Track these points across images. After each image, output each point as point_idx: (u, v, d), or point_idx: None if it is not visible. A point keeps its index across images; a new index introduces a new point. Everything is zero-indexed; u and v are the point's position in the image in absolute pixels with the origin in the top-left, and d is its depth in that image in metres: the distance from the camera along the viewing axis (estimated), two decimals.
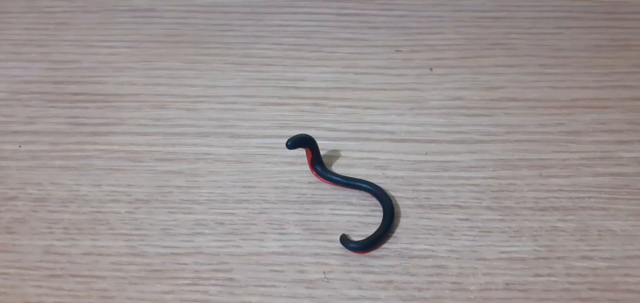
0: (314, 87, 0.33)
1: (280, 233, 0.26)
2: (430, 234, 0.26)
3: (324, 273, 0.25)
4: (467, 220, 0.27)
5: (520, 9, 0.38)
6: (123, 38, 0.37)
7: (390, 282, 0.25)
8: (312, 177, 0.28)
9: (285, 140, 0.27)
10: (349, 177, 0.28)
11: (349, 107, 0.32)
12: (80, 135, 0.31)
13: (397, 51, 0.35)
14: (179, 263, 0.25)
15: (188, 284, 0.25)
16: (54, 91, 0.33)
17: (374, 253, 0.26)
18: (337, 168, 0.29)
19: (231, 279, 0.25)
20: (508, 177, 0.28)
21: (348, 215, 0.27)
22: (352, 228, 0.27)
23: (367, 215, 0.27)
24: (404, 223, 0.27)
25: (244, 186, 0.28)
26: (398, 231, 0.26)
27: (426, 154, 0.29)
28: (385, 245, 0.26)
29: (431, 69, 0.34)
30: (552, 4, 0.38)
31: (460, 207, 0.27)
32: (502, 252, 0.25)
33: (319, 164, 0.28)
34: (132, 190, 0.28)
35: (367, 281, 0.25)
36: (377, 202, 0.27)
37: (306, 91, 0.33)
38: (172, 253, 0.26)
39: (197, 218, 0.27)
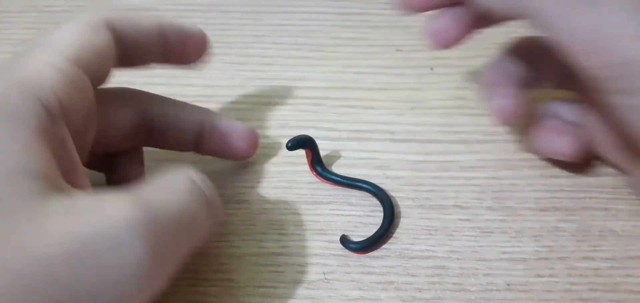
0: (314, 87, 0.33)
1: (279, 234, 0.26)
2: (431, 234, 0.26)
3: (323, 273, 0.25)
4: (468, 220, 0.26)
5: None
6: None
7: (391, 282, 0.24)
8: (312, 177, 0.28)
9: (285, 140, 0.27)
10: (349, 177, 0.28)
11: (349, 107, 0.32)
12: None
13: (397, 50, 0.35)
14: None
15: (187, 285, 0.25)
16: None
17: (374, 253, 0.25)
18: (337, 168, 0.29)
19: (231, 280, 0.25)
20: (509, 177, 0.28)
21: (348, 215, 0.27)
22: (352, 229, 0.26)
23: (367, 215, 0.27)
24: (405, 223, 0.26)
25: (243, 187, 0.28)
26: (398, 232, 0.26)
27: (427, 154, 0.29)
28: (385, 246, 0.26)
29: (432, 69, 0.34)
30: None
31: (461, 207, 0.27)
32: (503, 253, 0.25)
33: (319, 165, 0.28)
34: None
35: (367, 282, 0.24)
36: (377, 202, 0.27)
37: (306, 90, 0.33)
38: None
39: None
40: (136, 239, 0.17)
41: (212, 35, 0.37)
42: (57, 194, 0.18)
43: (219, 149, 0.27)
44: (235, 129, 0.27)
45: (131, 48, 0.24)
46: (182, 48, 0.26)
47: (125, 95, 0.26)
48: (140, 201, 0.18)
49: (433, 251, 0.25)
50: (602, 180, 0.28)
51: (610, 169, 0.28)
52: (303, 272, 0.25)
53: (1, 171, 0.17)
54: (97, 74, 0.22)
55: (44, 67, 0.20)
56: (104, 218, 0.17)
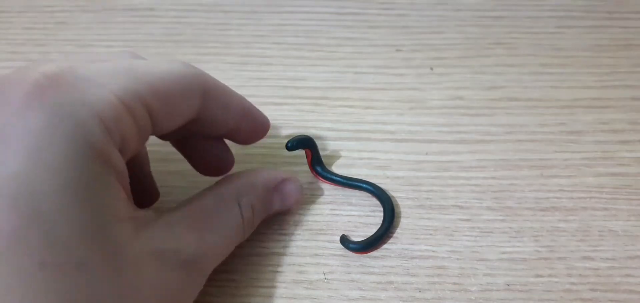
0: (314, 87, 0.33)
1: (280, 234, 0.26)
2: (431, 234, 0.26)
3: (323, 273, 0.25)
4: (468, 220, 0.26)
5: (521, 8, 0.37)
6: (122, 37, 0.37)
7: (391, 282, 0.24)
8: (312, 177, 0.28)
9: (285, 140, 0.27)
10: (349, 177, 0.28)
11: (349, 107, 0.32)
12: None
13: (397, 50, 0.35)
14: None
15: None
16: None
17: (374, 253, 0.25)
18: (337, 168, 0.29)
19: (231, 280, 0.25)
20: (509, 177, 0.28)
21: (348, 215, 0.27)
22: (352, 228, 0.26)
23: (368, 215, 0.27)
24: (405, 223, 0.27)
25: None
26: (398, 232, 0.26)
27: (427, 154, 0.29)
28: (385, 246, 0.26)
29: (432, 69, 0.34)
30: (553, 3, 0.38)
31: (461, 207, 0.27)
32: (503, 253, 0.25)
33: (319, 165, 0.28)
34: None
35: (367, 282, 0.25)
36: (378, 202, 0.27)
37: (306, 90, 0.33)
38: None
39: None
40: (198, 278, 0.21)
41: (212, 35, 0.37)
42: (140, 233, 0.19)
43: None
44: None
45: (208, 119, 0.23)
46: (249, 132, 0.25)
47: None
48: (202, 244, 0.21)
49: (433, 251, 0.25)
50: (602, 180, 0.28)
51: (610, 170, 0.28)
52: (303, 272, 0.25)
53: (99, 218, 0.17)
54: (163, 125, 0.21)
55: (119, 104, 0.18)
56: (182, 269, 0.20)
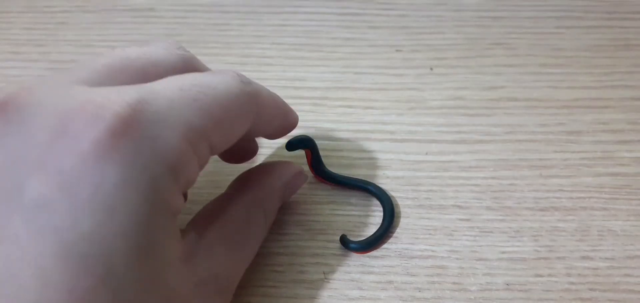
0: (314, 87, 0.33)
1: (280, 234, 0.26)
2: (431, 234, 0.26)
3: (323, 273, 0.25)
4: (467, 220, 0.27)
5: (520, 8, 0.37)
6: (122, 38, 0.37)
7: (391, 282, 0.25)
8: (312, 177, 0.28)
9: (285, 141, 0.27)
10: (349, 177, 0.28)
11: (349, 107, 0.32)
12: None
13: (397, 50, 0.35)
14: None
15: None
16: None
17: (374, 253, 0.26)
18: (337, 168, 0.29)
19: None
20: (508, 177, 0.28)
21: (348, 215, 0.27)
22: (352, 228, 0.26)
23: (367, 215, 0.27)
24: (404, 223, 0.27)
25: None
26: (398, 232, 0.26)
27: (426, 154, 0.29)
28: (385, 245, 0.26)
29: (432, 69, 0.34)
30: (553, 3, 0.38)
31: (460, 207, 0.27)
32: (503, 252, 0.25)
33: (319, 165, 0.28)
34: None
35: (367, 281, 0.25)
36: (377, 202, 0.27)
37: (306, 90, 0.33)
38: None
39: None
40: (229, 299, 0.22)
41: (212, 35, 0.37)
42: (188, 267, 0.19)
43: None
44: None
45: (251, 130, 0.22)
46: (281, 132, 0.25)
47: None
48: (236, 266, 0.22)
49: (433, 251, 0.25)
50: (602, 180, 0.28)
51: (609, 170, 0.28)
52: (303, 272, 0.25)
53: (160, 268, 0.17)
54: (216, 152, 0.21)
55: (188, 149, 0.18)
56: (219, 295, 0.21)
